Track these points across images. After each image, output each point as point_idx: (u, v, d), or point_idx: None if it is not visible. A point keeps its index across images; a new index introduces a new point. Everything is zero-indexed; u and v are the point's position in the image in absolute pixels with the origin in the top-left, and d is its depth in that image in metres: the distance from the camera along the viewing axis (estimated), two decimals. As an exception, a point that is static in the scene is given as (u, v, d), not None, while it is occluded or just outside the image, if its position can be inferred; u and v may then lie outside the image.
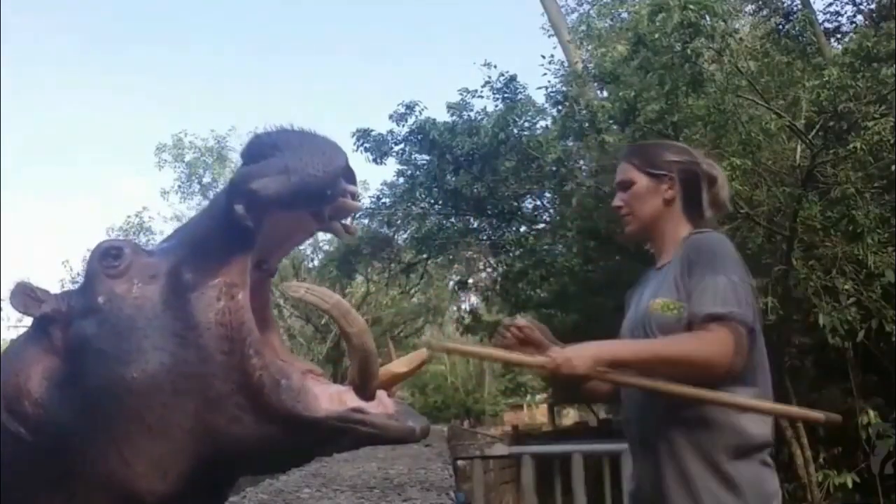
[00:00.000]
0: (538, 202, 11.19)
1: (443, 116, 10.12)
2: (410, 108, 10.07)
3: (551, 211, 11.05)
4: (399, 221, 11.78)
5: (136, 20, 45.06)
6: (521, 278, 10.28)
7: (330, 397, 1.18)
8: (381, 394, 1.21)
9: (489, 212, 10.43)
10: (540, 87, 11.57)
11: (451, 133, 9.62)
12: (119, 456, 1.13)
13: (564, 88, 9.99)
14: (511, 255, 10.46)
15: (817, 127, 6.93)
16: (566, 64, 11.84)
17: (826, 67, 6.81)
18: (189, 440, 1.14)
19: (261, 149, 1.17)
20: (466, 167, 9.73)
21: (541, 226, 10.89)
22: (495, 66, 10.07)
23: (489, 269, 14.25)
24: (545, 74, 12.56)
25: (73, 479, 1.16)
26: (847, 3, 11.41)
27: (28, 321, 1.26)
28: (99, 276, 1.21)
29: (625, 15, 13.23)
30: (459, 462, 8.25)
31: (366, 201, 11.42)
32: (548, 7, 13.66)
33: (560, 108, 9.53)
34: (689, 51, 6.73)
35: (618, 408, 2.02)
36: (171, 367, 1.13)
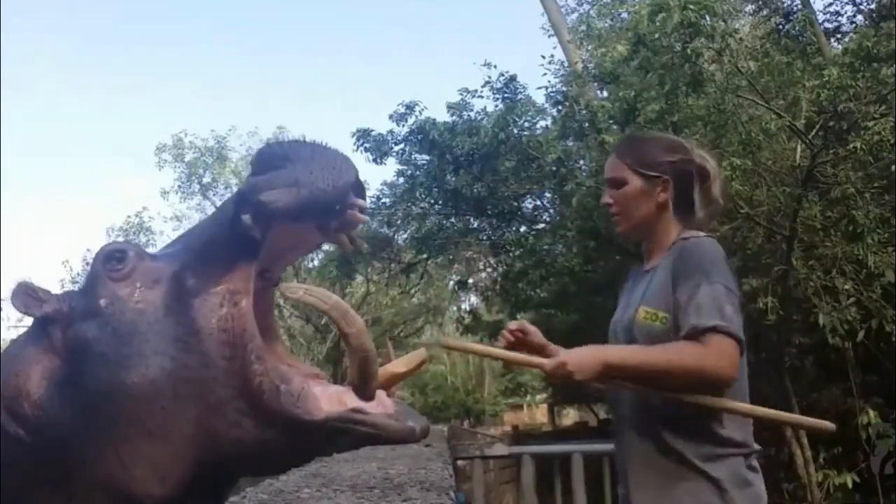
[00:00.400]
0: (538, 202, 11.19)
1: (443, 116, 10.14)
2: (410, 108, 10.06)
3: (551, 211, 11.05)
4: (399, 221, 11.78)
5: (136, 20, 45.09)
6: (521, 278, 10.28)
7: (329, 398, 1.18)
8: (380, 394, 1.21)
9: (489, 212, 10.43)
10: (540, 87, 11.60)
11: (451, 133, 9.62)
12: (117, 459, 1.13)
13: (564, 88, 9.98)
14: (511, 255, 10.45)
15: (817, 127, 6.93)
16: (566, 64, 11.84)
17: (826, 67, 6.81)
18: (188, 445, 1.14)
19: (271, 158, 1.17)
20: (466, 167, 9.73)
21: (541, 226, 10.88)
22: (495, 66, 10.08)
23: (489, 269, 14.26)
24: (545, 74, 12.59)
25: (72, 481, 1.16)
26: (847, 3, 11.42)
27: (28, 321, 1.26)
28: (102, 279, 1.21)
29: (625, 15, 13.23)
30: (459, 462, 8.24)
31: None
32: (548, 7, 13.66)
33: (560, 108, 9.54)
34: (689, 51, 6.72)
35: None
36: (172, 372, 1.13)
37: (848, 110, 6.70)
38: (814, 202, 6.78)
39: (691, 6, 6.58)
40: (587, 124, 8.41)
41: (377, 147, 10.34)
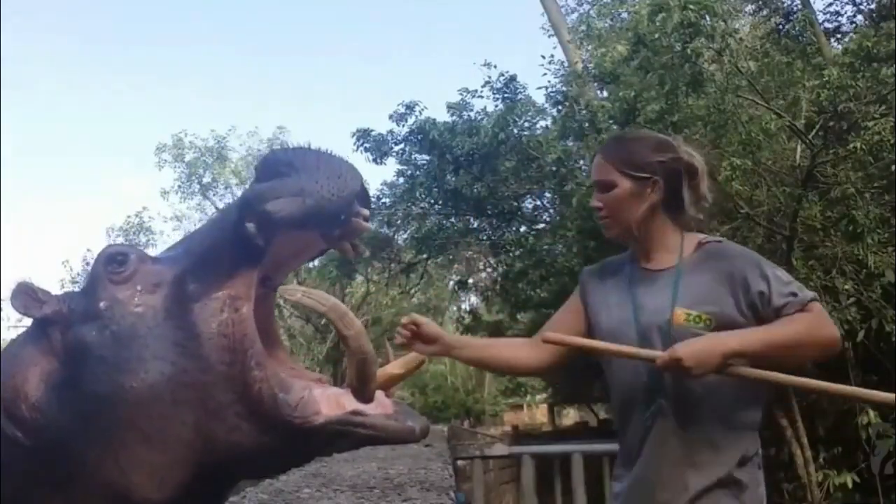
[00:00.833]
0: (538, 202, 11.18)
1: (443, 116, 10.12)
2: (410, 108, 10.05)
3: (551, 211, 11.04)
4: (399, 221, 11.76)
5: (136, 20, 45.06)
6: (521, 278, 10.27)
7: (328, 402, 1.18)
8: (379, 395, 1.21)
9: (489, 212, 10.42)
10: (540, 87, 11.57)
11: (451, 133, 9.62)
12: (115, 464, 1.13)
13: (564, 88, 9.97)
14: (511, 255, 10.44)
15: (817, 127, 6.92)
16: (566, 64, 11.83)
17: (826, 67, 6.80)
18: (187, 449, 1.14)
19: (276, 165, 1.17)
20: (466, 167, 9.72)
21: (541, 226, 10.87)
22: (495, 66, 10.06)
23: (489, 269, 14.24)
24: (545, 74, 12.54)
25: (70, 484, 1.16)
26: (847, 3, 11.39)
27: (29, 321, 1.26)
28: (102, 281, 1.21)
29: (625, 15, 13.23)
30: (459, 462, 8.26)
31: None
32: (548, 7, 13.65)
33: (560, 108, 9.53)
34: (689, 51, 6.72)
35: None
36: (171, 377, 1.13)
37: (848, 110, 6.70)
38: (814, 202, 6.77)
39: (691, 6, 6.57)
40: (587, 124, 8.40)
41: (377, 147, 10.33)
